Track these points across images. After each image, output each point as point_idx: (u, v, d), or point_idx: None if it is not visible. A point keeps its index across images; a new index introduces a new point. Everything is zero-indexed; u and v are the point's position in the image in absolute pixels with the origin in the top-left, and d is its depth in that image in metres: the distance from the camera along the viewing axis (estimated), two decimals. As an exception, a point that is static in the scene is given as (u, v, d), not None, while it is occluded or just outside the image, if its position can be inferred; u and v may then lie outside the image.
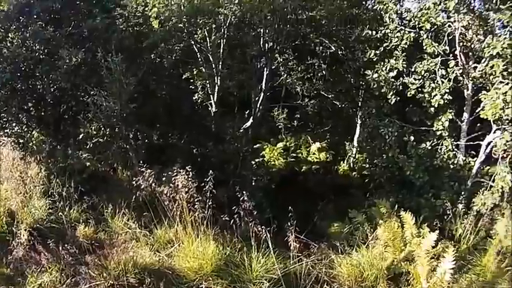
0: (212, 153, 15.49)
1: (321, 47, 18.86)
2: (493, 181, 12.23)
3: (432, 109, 13.15)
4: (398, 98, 13.92)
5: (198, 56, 18.02)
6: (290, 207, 9.58)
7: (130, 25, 15.91)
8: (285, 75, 20.33)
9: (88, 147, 13.67)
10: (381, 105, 14.82)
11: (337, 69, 19.25)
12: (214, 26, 17.13)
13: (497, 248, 10.33)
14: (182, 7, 16.53)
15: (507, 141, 11.70)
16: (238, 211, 9.29)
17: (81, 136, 14.05)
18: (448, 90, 12.79)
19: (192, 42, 17.75)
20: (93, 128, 14.38)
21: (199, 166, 11.96)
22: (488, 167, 13.47)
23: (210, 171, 9.72)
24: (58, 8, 13.44)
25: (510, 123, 11.79)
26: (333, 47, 18.31)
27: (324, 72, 19.67)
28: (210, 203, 9.49)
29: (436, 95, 12.91)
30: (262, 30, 17.64)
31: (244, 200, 9.32)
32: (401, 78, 13.78)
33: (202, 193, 9.61)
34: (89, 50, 12.96)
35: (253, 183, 15.46)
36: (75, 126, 14.24)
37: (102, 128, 13.83)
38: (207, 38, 17.41)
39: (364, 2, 17.88)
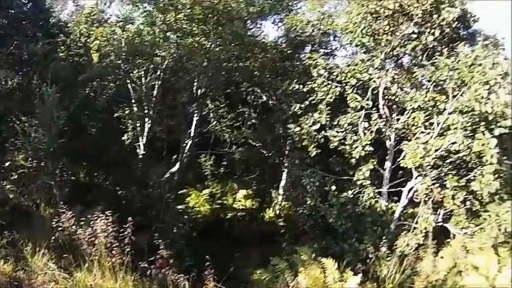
0: (136, 197, 14.95)
1: (252, 96, 19.18)
2: (416, 223, 12.75)
3: (353, 160, 13.67)
4: (320, 151, 14.38)
5: (132, 95, 18.02)
6: (211, 255, 9.60)
7: (70, 54, 15.66)
8: (215, 122, 20.36)
9: (13, 178, 12.95)
10: (304, 156, 15.07)
11: (266, 119, 19.61)
12: (151, 66, 17.11)
13: (423, 283, 10.69)
14: (123, 43, 16.38)
15: (428, 186, 12.33)
16: (157, 258, 8.95)
17: (7, 164, 13.28)
18: (369, 142, 13.47)
19: (128, 81, 17.74)
20: (20, 157, 13.65)
21: (123, 209, 11.58)
22: (411, 210, 14.21)
23: (131, 216, 9.50)
24: (4, 24, 13.06)
25: (431, 169, 12.53)
26: (264, 97, 18.72)
27: (253, 121, 19.90)
28: (129, 249, 9.08)
29: (357, 146, 13.53)
30: (196, 76, 17.76)
31: (161, 248, 9.03)
32: (323, 132, 14.26)
33: (122, 238, 9.18)
34: (26, 74, 12.74)
35: (176, 230, 14.97)
36: (3, 152, 13.51)
37: (29, 160, 13.20)
38: (143, 78, 17.33)
39: (297, 55, 18.53)
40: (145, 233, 11.79)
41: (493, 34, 14.74)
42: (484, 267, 12.02)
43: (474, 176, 12.27)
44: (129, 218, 9.33)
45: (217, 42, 16.84)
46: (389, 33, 13.39)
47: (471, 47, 13.25)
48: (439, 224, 13.41)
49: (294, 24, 18.26)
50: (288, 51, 18.40)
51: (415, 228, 12.96)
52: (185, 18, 15.87)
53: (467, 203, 12.87)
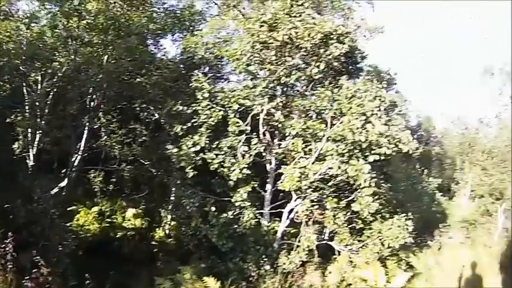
0: (20, 211, 14.68)
1: (145, 113, 19.38)
2: (299, 241, 13.90)
3: (232, 182, 14.49)
4: (197, 172, 15.02)
5: (26, 100, 17.40)
6: (98, 275, 10.06)
7: (-31, 48, 14.87)
8: (106, 137, 20.27)
9: None
10: (185, 176, 15.55)
11: (158, 137, 19.85)
12: (49, 71, 16.94)
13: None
14: (24, 43, 16.11)
15: (308, 207, 13.58)
16: (36, 276, 9.13)
17: None
18: (247, 165, 14.40)
19: (24, 85, 17.21)
20: None
21: (9, 224, 11.41)
22: (295, 230, 15.37)
23: (16, 232, 9.56)
24: None
25: (312, 192, 13.89)
26: (156, 115, 18.94)
27: (144, 138, 20.08)
28: (11, 266, 9.15)
29: (235, 169, 14.38)
30: (91, 87, 17.93)
31: (41, 266, 9.22)
32: (202, 154, 14.93)
33: (4, 255, 9.25)
34: None
35: (61, 248, 14.87)
36: None
37: None
38: (39, 84, 17.06)
39: (188, 76, 18.87)
40: (31, 250, 11.80)
41: (386, 70, 16.41)
42: (372, 279, 13.60)
43: (356, 198, 13.76)
44: (10, 234, 9.37)
45: (113, 55, 17.15)
46: (277, 63, 14.51)
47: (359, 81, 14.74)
48: (324, 242, 14.80)
49: (188, 45, 18.98)
50: (182, 71, 19.06)
51: (298, 246, 14.16)
52: (87, 26, 16.03)
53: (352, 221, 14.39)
